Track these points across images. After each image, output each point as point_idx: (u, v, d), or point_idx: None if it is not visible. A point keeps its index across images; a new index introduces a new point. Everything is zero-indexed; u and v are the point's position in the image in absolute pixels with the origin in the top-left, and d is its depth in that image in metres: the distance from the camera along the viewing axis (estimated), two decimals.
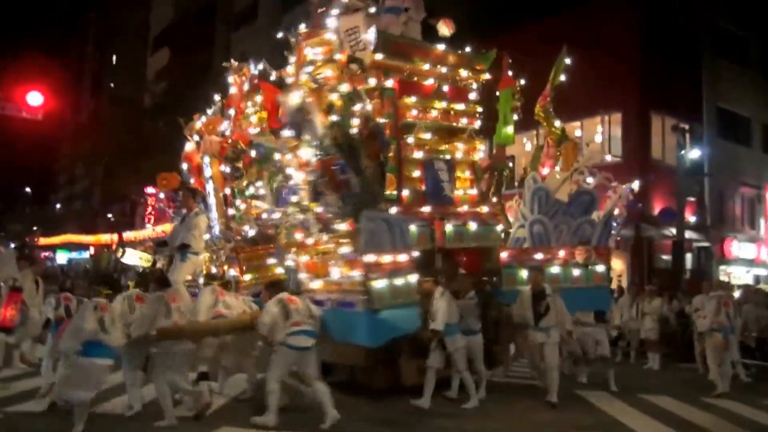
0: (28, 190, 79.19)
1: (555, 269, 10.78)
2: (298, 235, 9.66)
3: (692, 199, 22.78)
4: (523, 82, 11.84)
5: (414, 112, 10.42)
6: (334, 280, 8.72)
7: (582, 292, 10.76)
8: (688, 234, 21.69)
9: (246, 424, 7.88)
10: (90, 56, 74.80)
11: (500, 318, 10.34)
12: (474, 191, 11.19)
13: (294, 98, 9.20)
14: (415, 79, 10.65)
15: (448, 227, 10.17)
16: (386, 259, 8.35)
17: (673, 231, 21.12)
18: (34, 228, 72.47)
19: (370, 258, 8.20)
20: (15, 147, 65.45)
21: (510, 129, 11.69)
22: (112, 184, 46.44)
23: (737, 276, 24.66)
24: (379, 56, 10.06)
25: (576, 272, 10.88)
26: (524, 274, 10.50)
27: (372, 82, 10.05)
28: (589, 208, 11.22)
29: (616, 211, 11.76)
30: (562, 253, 10.89)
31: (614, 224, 11.77)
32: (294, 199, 9.87)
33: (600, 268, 11.14)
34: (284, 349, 7.97)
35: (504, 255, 10.71)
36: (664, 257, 22.68)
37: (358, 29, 10.06)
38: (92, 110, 61.58)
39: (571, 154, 11.83)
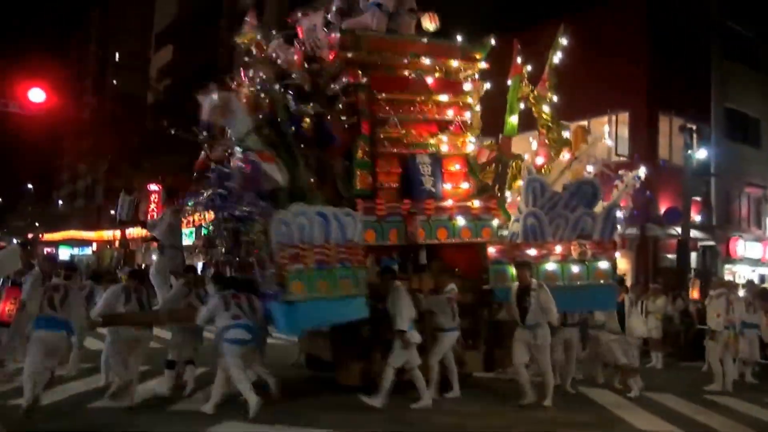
0: (30, 186, 79.41)
1: (551, 266, 10.06)
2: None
3: (698, 198, 22.70)
4: (529, 68, 11.67)
5: (391, 106, 10.32)
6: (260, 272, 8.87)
7: (583, 291, 10.11)
8: (694, 233, 21.68)
9: (249, 419, 7.91)
10: (92, 53, 74.79)
11: (499, 318, 10.10)
12: (466, 185, 10.65)
13: (211, 98, 9.16)
14: (393, 73, 10.54)
15: (429, 222, 10.01)
16: (311, 250, 8.45)
17: (679, 230, 21.06)
18: (37, 224, 72.59)
19: (284, 249, 8.29)
20: (17, 144, 65.69)
21: (514, 119, 11.47)
22: (115, 181, 46.41)
23: (742, 275, 24.60)
24: (349, 54, 10.19)
25: (575, 269, 10.11)
26: (515, 271, 9.80)
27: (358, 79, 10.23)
28: (591, 199, 10.35)
29: (622, 203, 11.16)
30: (559, 249, 10.12)
31: (620, 216, 10.93)
32: None
33: (603, 264, 10.26)
34: (224, 343, 8.27)
35: (492, 250, 10.07)
36: (669, 256, 22.61)
37: (315, 28, 10.58)
38: (95, 107, 61.48)
39: (580, 141, 11.50)
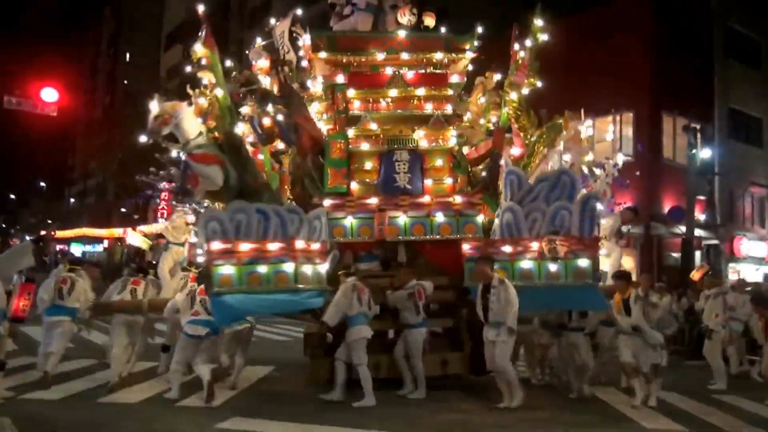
0: (42, 184, 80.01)
1: (527, 264, 9.45)
2: None
3: (702, 198, 22.82)
4: (522, 54, 11.21)
5: (367, 104, 10.36)
6: None
7: (563, 291, 9.46)
8: (698, 232, 21.80)
9: (256, 415, 7.98)
10: (104, 53, 75.28)
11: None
12: (450, 180, 10.35)
13: (153, 109, 9.75)
14: (370, 70, 10.47)
15: (403, 219, 9.92)
16: (244, 247, 8.68)
17: (683, 229, 21.18)
18: (49, 222, 73.13)
19: (215, 246, 8.63)
20: (30, 142, 66.27)
21: (507, 109, 11.12)
22: (126, 179, 46.76)
23: (746, 274, 24.66)
24: (323, 54, 10.31)
25: (553, 267, 9.41)
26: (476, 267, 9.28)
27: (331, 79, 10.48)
28: (571, 191, 9.67)
29: (602, 193, 10.82)
30: (535, 245, 9.43)
31: (601, 207, 10.13)
32: None
33: (583, 262, 9.47)
34: (183, 336, 8.87)
35: (467, 247, 9.64)
36: (674, 255, 22.74)
37: (284, 34, 11.03)
38: (106, 106, 62.00)
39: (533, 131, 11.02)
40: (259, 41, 11.73)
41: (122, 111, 43.92)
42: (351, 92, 10.33)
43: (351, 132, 10.23)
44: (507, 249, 9.45)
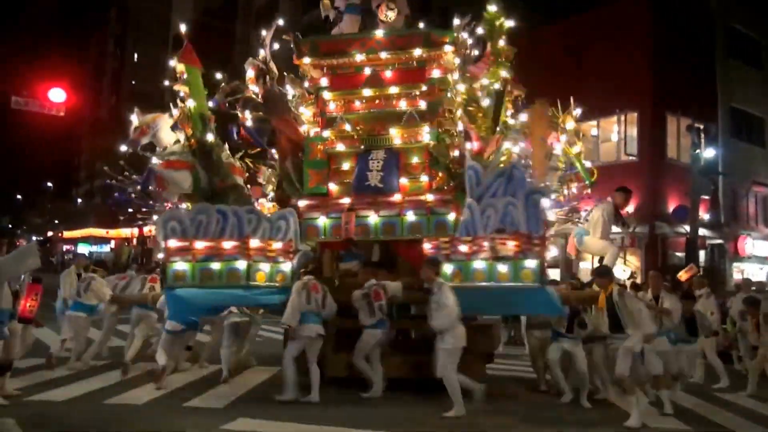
0: (49, 184, 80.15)
1: (480, 264, 8.91)
2: None
3: (706, 197, 22.85)
4: (502, 42, 10.72)
5: (332, 105, 10.54)
6: None
7: (512, 293, 8.87)
8: (702, 231, 21.89)
9: (262, 416, 7.95)
10: (111, 53, 75.47)
11: None
12: (426, 178, 10.13)
13: (134, 119, 10.99)
14: (351, 71, 10.56)
15: (374, 218, 9.91)
16: (199, 245, 9.17)
17: (687, 229, 21.24)
18: (56, 222, 73.38)
19: (172, 243, 9.21)
20: (37, 143, 66.52)
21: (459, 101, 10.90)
22: (131, 180, 46.86)
23: (750, 273, 24.69)
24: (307, 60, 10.55)
25: (502, 268, 8.80)
26: (448, 269, 9.01)
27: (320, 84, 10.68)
28: (522, 187, 9.08)
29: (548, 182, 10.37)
30: (487, 244, 8.90)
31: (549, 200, 9.56)
32: None
33: (530, 263, 8.73)
34: (164, 332, 9.79)
35: (427, 247, 9.28)
36: (678, 254, 22.79)
37: (266, 44, 11.32)
38: (112, 107, 62.17)
39: (538, 118, 10.53)
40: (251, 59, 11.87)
41: (129, 110, 44.02)
42: (327, 94, 10.51)
43: (327, 133, 10.40)
44: (463, 248, 9.02)
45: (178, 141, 10.72)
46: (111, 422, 7.63)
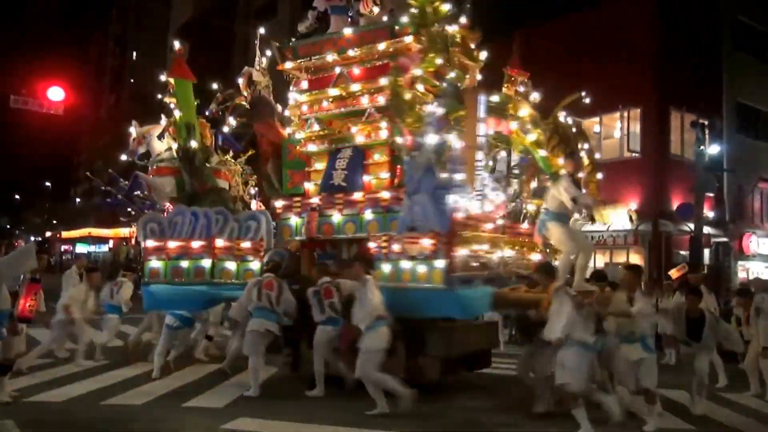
0: (48, 184, 79.99)
1: (406, 264, 8.93)
2: None
3: (711, 194, 22.66)
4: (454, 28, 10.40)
5: (314, 105, 10.63)
6: None
7: (423, 295, 8.74)
8: (707, 229, 21.60)
9: (263, 415, 7.96)
10: (111, 52, 75.35)
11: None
12: (386, 175, 10.01)
13: (132, 131, 12.25)
14: (326, 72, 10.63)
15: (338, 217, 9.89)
16: (171, 244, 10.11)
17: (691, 226, 21.01)
18: (54, 222, 73.23)
19: (148, 243, 10.26)
20: (36, 142, 66.33)
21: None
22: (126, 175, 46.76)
23: (755, 272, 24.54)
24: (288, 65, 10.90)
25: (421, 268, 8.78)
26: (387, 268, 9.11)
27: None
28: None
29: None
30: (397, 245, 9.07)
31: (454, 199, 8.75)
32: None
33: (440, 263, 8.64)
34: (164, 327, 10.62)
35: (372, 245, 9.36)
36: (682, 253, 22.57)
37: (257, 53, 11.88)
38: (112, 105, 62.06)
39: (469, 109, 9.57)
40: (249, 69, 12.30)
41: (129, 110, 43.95)
42: (301, 96, 10.74)
43: (300, 135, 10.71)
44: (395, 247, 9.04)
45: (169, 149, 11.60)
46: (110, 423, 7.65)
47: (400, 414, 8.02)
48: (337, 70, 10.49)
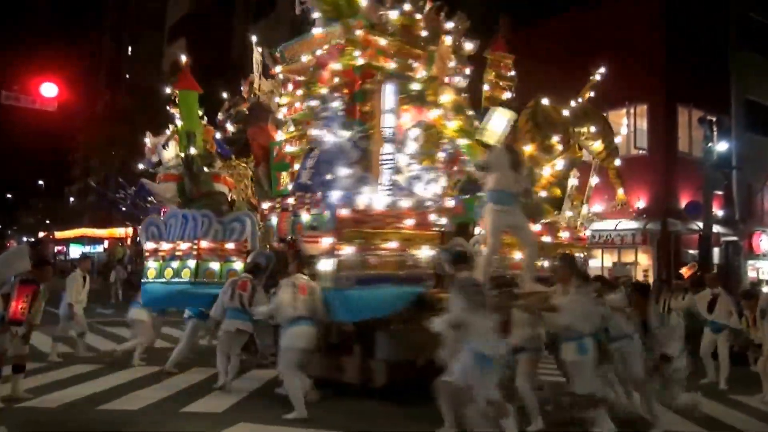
0: (41, 183, 79.47)
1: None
2: None
3: (719, 192, 22.32)
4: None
5: (284, 110, 10.80)
6: None
7: (326, 296, 8.66)
8: (716, 228, 21.34)
9: (263, 420, 7.87)
10: (106, 46, 74.90)
11: None
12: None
13: (147, 141, 13.09)
14: (303, 73, 10.51)
15: (306, 217, 9.44)
16: (165, 246, 10.48)
17: (700, 225, 20.68)
18: (48, 222, 72.66)
19: (148, 245, 10.75)
20: (28, 139, 65.78)
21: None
22: (128, 177, 46.30)
23: (765, 271, 24.24)
24: (278, 68, 11.07)
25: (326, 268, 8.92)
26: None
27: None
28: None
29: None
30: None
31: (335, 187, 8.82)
32: None
33: (327, 263, 8.82)
34: None
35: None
36: (691, 252, 22.24)
37: (256, 59, 12.22)
38: (108, 101, 61.61)
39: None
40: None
41: (124, 106, 43.60)
42: (282, 99, 10.95)
43: (281, 136, 10.84)
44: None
45: (177, 156, 12.13)
46: (107, 427, 7.57)
47: (408, 416, 8.01)
48: (311, 70, 10.36)
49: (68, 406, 8.46)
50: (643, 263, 23.03)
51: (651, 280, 20.77)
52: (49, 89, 19.75)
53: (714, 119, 21.05)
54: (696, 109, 22.69)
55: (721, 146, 21.19)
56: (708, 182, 20.57)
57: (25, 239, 74.46)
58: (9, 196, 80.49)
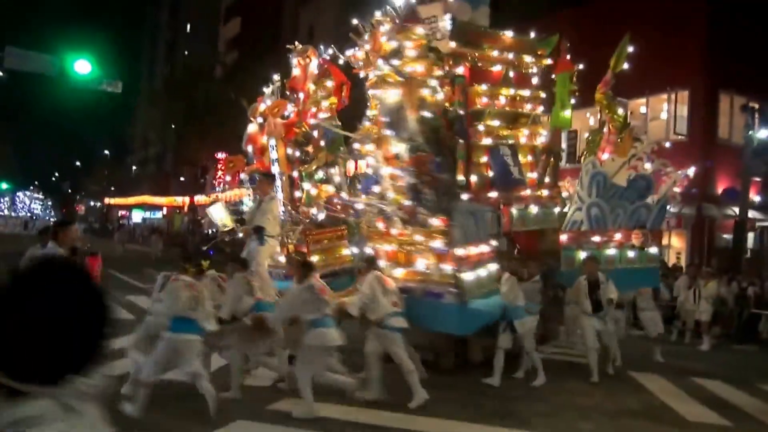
0: (106, 152, 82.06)
1: (611, 251, 11.02)
2: (380, 225, 9.80)
3: (758, 179, 22.34)
4: (581, 66, 11.80)
5: (484, 99, 10.70)
6: (419, 270, 9.05)
7: (634, 272, 11.11)
8: (752, 213, 21.32)
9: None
10: (165, 24, 76.49)
11: (557, 297, 10.78)
12: (534, 175, 11.33)
13: (392, 96, 9.55)
14: (484, 66, 10.99)
15: (513, 211, 10.52)
16: (473, 251, 8.93)
17: (736, 210, 20.80)
18: (112, 188, 75.28)
19: (460, 252, 8.70)
20: (94, 112, 68.00)
21: (568, 113, 11.75)
22: (184, 149, 47.79)
23: None
24: (452, 44, 10.22)
25: (631, 254, 11.09)
26: (582, 255, 10.73)
27: (445, 70, 10.29)
28: (644, 192, 11.28)
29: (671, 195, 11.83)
30: (618, 236, 11.07)
31: (668, 207, 12.06)
32: (376, 189, 10.16)
33: (653, 249, 11.41)
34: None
35: (563, 237, 11.04)
36: (725, 236, 22.38)
37: (437, 18, 10.33)
38: (166, 76, 63.17)
39: (627, 140, 11.74)
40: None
41: (182, 81, 44.74)
42: (475, 86, 10.86)
43: (480, 126, 11.01)
44: (596, 239, 10.99)
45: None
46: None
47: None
48: (498, 67, 11.26)
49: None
50: (675, 246, 23.23)
51: (684, 263, 21.04)
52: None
53: (756, 107, 20.95)
54: (738, 96, 22.46)
55: (762, 134, 21.16)
56: (747, 169, 20.58)
57: (91, 203, 77.08)
58: (78, 163, 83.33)
